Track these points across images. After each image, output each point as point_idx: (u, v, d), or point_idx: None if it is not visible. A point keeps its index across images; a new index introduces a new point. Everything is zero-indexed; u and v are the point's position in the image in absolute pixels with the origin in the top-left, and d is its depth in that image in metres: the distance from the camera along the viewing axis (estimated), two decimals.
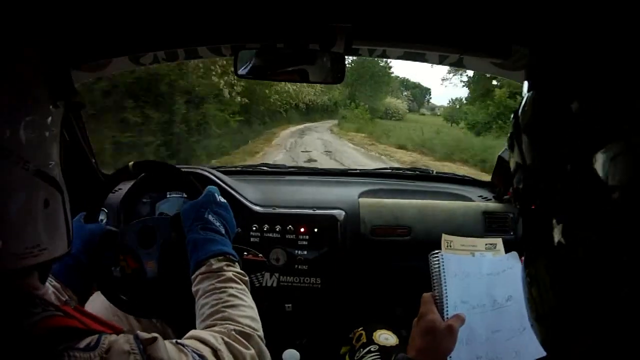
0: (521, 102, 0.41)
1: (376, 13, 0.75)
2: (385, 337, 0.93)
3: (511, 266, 0.74)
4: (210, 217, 0.75)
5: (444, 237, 0.74)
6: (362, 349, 0.91)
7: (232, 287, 0.65)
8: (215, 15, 0.76)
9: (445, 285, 0.70)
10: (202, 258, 0.69)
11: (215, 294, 0.64)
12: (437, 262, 0.72)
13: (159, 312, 0.88)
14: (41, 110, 0.48)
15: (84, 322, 0.49)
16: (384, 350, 0.89)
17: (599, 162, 0.30)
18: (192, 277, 0.69)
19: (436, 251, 0.72)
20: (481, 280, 0.72)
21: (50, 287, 0.70)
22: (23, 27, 0.47)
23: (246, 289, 0.68)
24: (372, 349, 0.90)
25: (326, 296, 1.16)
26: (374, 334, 0.94)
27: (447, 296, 0.69)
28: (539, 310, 0.37)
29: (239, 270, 0.71)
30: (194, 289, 0.67)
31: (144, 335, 0.50)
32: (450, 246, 0.73)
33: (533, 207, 0.37)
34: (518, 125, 0.40)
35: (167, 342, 0.52)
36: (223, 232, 0.75)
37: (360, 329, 0.98)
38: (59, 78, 0.50)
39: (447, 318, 0.68)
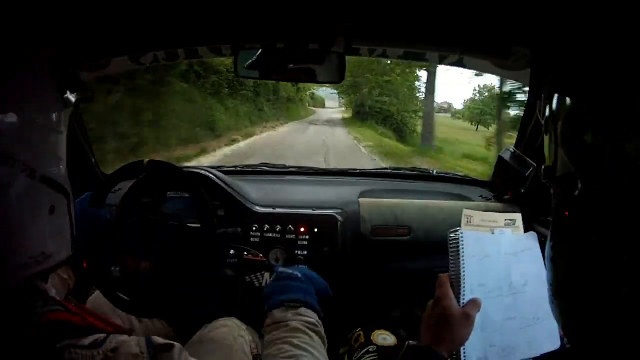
0: (548, 108, 0.40)
1: (377, 13, 0.75)
2: (384, 338, 0.93)
3: (530, 247, 0.71)
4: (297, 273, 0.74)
5: (465, 212, 0.70)
6: (360, 350, 0.91)
7: (296, 338, 0.61)
8: (216, 15, 0.76)
9: (464, 267, 0.67)
10: (265, 310, 0.67)
11: (278, 344, 0.61)
12: (456, 240, 0.68)
13: (159, 312, 0.88)
14: (50, 112, 0.47)
15: (85, 318, 0.49)
16: (382, 350, 0.88)
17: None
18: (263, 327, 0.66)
19: (456, 229, 0.69)
20: (499, 261, 0.69)
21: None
22: (24, 26, 0.46)
23: (312, 339, 0.63)
24: (370, 350, 0.89)
25: (326, 296, 1.16)
26: (373, 334, 0.94)
27: (464, 278, 0.66)
28: (561, 284, 0.37)
29: (311, 319, 0.66)
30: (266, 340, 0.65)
31: (159, 340, 0.48)
32: (470, 222, 0.70)
33: (567, 213, 0.37)
34: (552, 133, 0.39)
35: (189, 355, 0.50)
36: (303, 280, 0.73)
37: (359, 329, 0.98)
38: (66, 75, 0.49)
39: (464, 302, 0.65)
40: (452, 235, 0.69)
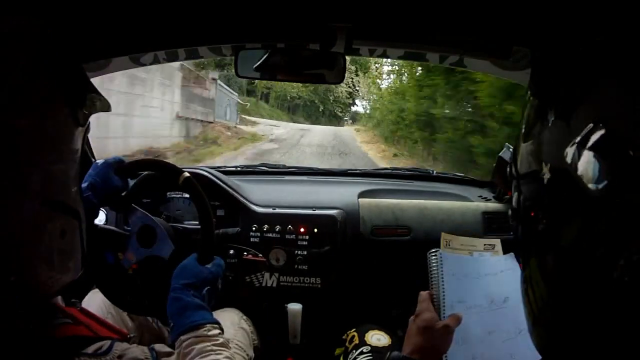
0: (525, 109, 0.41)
1: (376, 13, 0.75)
2: (378, 338, 0.93)
3: (509, 267, 0.74)
4: (206, 295, 0.76)
5: (443, 235, 0.74)
6: (354, 350, 0.91)
7: (225, 351, 0.68)
8: (216, 15, 0.76)
9: (443, 285, 0.70)
10: (199, 322, 0.70)
11: (213, 355, 0.66)
12: (435, 260, 0.72)
13: (158, 311, 0.88)
14: (63, 134, 0.46)
15: (91, 327, 0.49)
16: (376, 351, 0.89)
17: (582, 164, 0.30)
18: (183, 336, 0.68)
19: (435, 250, 0.73)
20: (479, 280, 0.72)
21: None
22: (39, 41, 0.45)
23: (233, 355, 0.70)
24: (364, 350, 0.89)
25: (326, 296, 1.16)
26: (366, 335, 0.94)
27: (444, 295, 0.70)
28: (535, 313, 0.37)
29: (225, 338, 0.73)
30: (184, 349, 0.67)
31: (160, 348, 0.50)
32: (449, 245, 0.74)
33: (532, 214, 0.37)
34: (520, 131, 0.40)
35: None
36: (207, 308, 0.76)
37: (353, 330, 0.98)
38: (78, 84, 0.48)
39: (444, 317, 0.69)
40: (431, 256, 0.73)
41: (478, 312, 0.71)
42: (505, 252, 0.76)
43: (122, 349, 0.47)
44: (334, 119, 29.22)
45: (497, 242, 0.76)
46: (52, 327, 0.45)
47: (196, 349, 0.66)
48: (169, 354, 0.51)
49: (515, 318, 0.70)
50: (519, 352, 0.69)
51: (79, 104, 0.48)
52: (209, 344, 0.67)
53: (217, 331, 0.71)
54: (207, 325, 0.70)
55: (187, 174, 0.81)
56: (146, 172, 0.91)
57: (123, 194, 0.86)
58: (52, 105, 0.45)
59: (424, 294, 0.71)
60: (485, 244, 0.76)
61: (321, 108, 27.19)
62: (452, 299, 0.70)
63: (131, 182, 0.90)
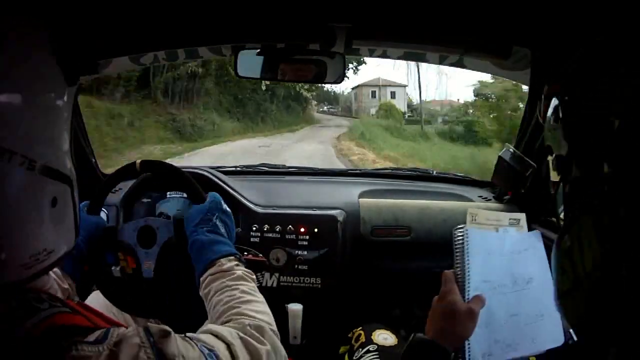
0: (548, 111, 0.40)
1: (376, 13, 0.75)
2: (384, 337, 0.93)
3: (534, 245, 0.72)
4: (218, 222, 0.75)
5: (469, 210, 0.72)
6: (360, 349, 0.91)
7: (243, 285, 0.66)
8: (216, 15, 0.76)
9: (469, 264, 0.68)
10: (213, 258, 0.69)
11: (228, 291, 0.64)
12: (461, 237, 0.70)
13: (158, 312, 0.88)
14: (52, 93, 0.44)
15: (89, 318, 0.49)
16: (382, 350, 0.89)
17: None
18: (202, 277, 0.68)
19: (461, 226, 0.71)
20: (503, 258, 0.70)
21: (52, 275, 0.69)
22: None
23: (255, 287, 0.68)
24: (370, 349, 0.89)
25: (326, 296, 1.16)
26: (373, 333, 0.94)
27: (469, 275, 0.68)
28: (581, 276, 0.35)
29: (247, 269, 0.71)
30: (204, 290, 0.67)
31: (156, 328, 0.48)
32: (475, 220, 0.71)
33: (594, 165, 0.36)
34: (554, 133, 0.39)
35: (177, 336, 0.51)
36: (227, 237, 0.75)
37: (359, 328, 0.98)
38: (69, 47, 0.46)
39: (468, 298, 0.66)
40: (457, 232, 0.70)
41: (502, 293, 0.69)
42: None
43: (117, 335, 0.45)
44: (296, 104, 17.32)
45: (522, 216, 0.74)
46: (46, 314, 0.44)
47: (213, 288, 0.65)
48: (166, 334, 0.49)
49: (537, 301, 0.69)
50: (540, 336, 0.68)
51: (71, 65, 0.47)
52: (224, 279, 0.66)
53: (232, 263, 0.69)
54: (221, 259, 0.69)
55: (139, 160, 0.83)
56: (142, 175, 0.91)
57: (106, 226, 0.86)
58: (43, 81, 0.43)
59: (448, 273, 0.69)
60: (510, 219, 0.73)
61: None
62: (477, 278, 0.68)
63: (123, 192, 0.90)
